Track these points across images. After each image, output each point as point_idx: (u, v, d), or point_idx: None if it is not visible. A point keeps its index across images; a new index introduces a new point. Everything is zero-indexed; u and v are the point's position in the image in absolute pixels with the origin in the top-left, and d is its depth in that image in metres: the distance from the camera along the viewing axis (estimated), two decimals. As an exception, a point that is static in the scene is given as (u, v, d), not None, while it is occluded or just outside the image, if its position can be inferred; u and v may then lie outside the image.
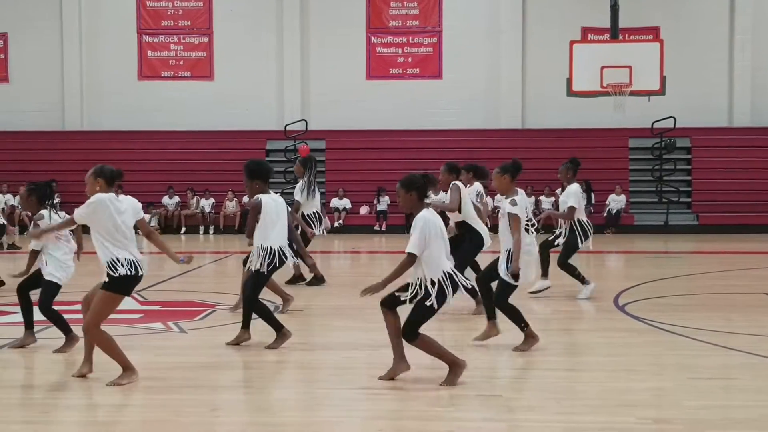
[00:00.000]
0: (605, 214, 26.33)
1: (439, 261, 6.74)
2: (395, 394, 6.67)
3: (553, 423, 5.94)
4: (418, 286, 6.75)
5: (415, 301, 6.76)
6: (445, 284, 6.72)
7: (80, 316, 7.22)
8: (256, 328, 8.66)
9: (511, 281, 8.10)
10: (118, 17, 29.26)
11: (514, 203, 8.12)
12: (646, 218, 26.80)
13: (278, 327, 8.39)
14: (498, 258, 8.28)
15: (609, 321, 10.06)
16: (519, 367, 7.78)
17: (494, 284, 8.41)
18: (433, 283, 6.70)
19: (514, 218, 8.09)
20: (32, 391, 7.08)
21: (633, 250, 21.12)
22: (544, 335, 8.80)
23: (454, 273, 6.80)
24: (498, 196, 10.33)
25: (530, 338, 8.21)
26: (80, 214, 6.94)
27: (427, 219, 6.76)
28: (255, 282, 8.44)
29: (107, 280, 6.83)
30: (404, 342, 6.84)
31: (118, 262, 6.83)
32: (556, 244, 11.66)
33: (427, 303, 6.69)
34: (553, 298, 11.65)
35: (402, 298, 6.83)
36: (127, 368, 6.94)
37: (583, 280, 11.58)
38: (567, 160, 11.78)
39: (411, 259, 6.71)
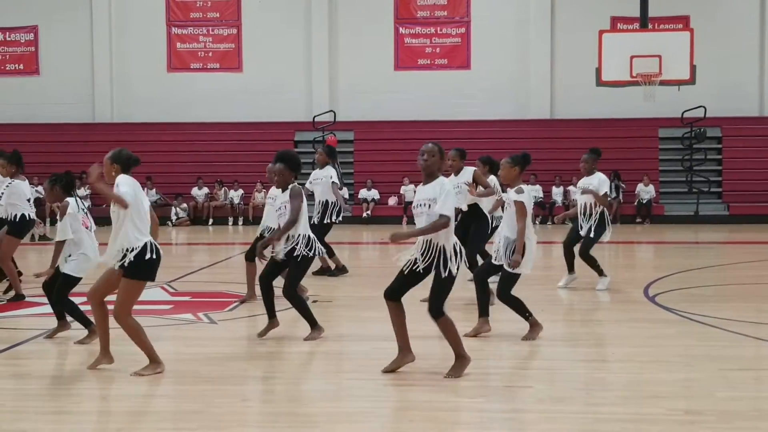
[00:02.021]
0: (636, 204, 26.17)
1: (452, 231, 6.80)
2: (425, 384, 6.67)
3: (583, 414, 5.93)
4: (435, 253, 6.70)
5: (433, 277, 6.72)
6: (459, 254, 6.76)
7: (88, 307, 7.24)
8: (283, 318, 8.70)
9: (511, 270, 8.11)
10: (148, 9, 29.41)
11: (520, 191, 8.18)
12: (676, 208, 26.59)
13: (314, 322, 8.39)
14: (491, 255, 8.39)
15: (639, 312, 10.00)
16: (549, 358, 7.76)
17: (487, 281, 8.46)
18: (451, 250, 6.72)
19: (519, 206, 8.11)
20: (63, 381, 7.15)
21: (663, 240, 20.98)
22: (573, 326, 8.80)
23: (461, 247, 6.86)
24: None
25: (535, 327, 8.26)
26: (127, 192, 6.76)
27: (451, 187, 6.86)
28: (300, 272, 8.37)
29: (127, 267, 6.79)
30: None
31: (147, 247, 6.84)
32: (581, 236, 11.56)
33: (445, 273, 6.67)
34: (582, 289, 11.59)
35: (402, 264, 6.85)
36: (153, 360, 6.98)
37: (601, 272, 11.52)
38: (589, 151, 11.66)
39: (445, 222, 6.66)
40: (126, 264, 6.80)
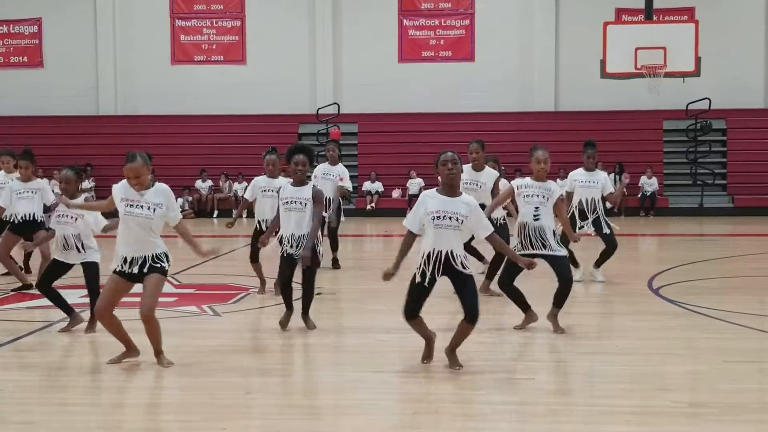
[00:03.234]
0: (639, 197, 26.14)
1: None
2: (428, 377, 6.68)
3: (588, 406, 5.93)
4: (462, 259, 6.69)
5: (465, 280, 6.69)
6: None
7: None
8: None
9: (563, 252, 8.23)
10: (151, 1, 29.42)
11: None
12: (680, 201, 26.57)
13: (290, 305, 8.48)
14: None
15: (643, 304, 10.00)
16: (553, 351, 7.76)
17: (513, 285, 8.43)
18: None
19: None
20: (68, 372, 7.15)
21: (667, 233, 20.96)
22: (577, 318, 8.78)
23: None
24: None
25: (530, 317, 8.34)
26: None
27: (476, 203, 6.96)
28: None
29: (162, 266, 6.85)
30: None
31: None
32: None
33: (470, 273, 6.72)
34: (587, 282, 11.60)
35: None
36: (128, 349, 7.10)
37: (576, 263, 11.52)
38: (589, 145, 11.47)
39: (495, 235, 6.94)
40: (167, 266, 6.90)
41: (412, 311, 6.84)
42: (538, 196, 8.23)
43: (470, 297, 6.68)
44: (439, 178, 6.83)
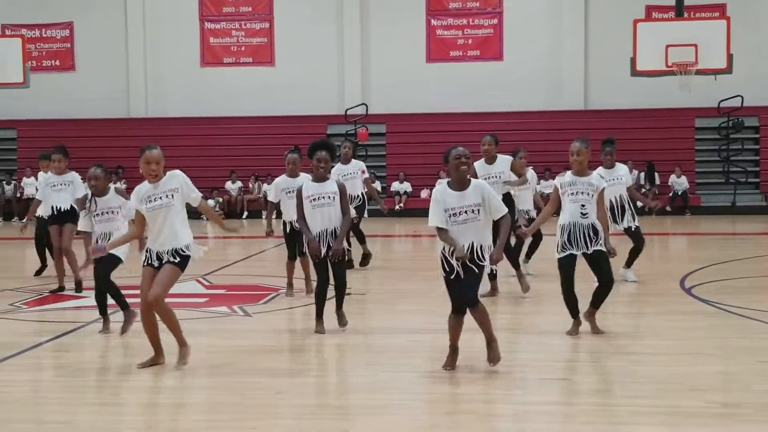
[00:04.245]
0: (670, 195, 25.93)
1: None
2: (458, 377, 6.65)
3: (619, 406, 5.89)
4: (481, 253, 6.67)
5: (469, 272, 6.64)
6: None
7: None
8: (312, 312, 8.70)
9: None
10: (181, 4, 29.58)
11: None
12: (713, 199, 26.32)
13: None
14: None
15: (676, 304, 9.91)
16: (585, 351, 7.70)
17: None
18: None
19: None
20: (101, 373, 7.20)
21: (699, 231, 20.77)
22: (609, 318, 8.71)
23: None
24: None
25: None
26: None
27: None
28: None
29: (179, 259, 6.90)
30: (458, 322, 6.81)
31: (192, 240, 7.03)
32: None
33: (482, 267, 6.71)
34: (617, 282, 11.46)
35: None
36: (183, 344, 7.08)
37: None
38: (608, 141, 11.32)
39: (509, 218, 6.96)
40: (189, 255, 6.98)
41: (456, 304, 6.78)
42: (582, 193, 7.97)
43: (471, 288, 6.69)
44: (443, 173, 6.85)
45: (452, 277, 6.67)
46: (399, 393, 6.33)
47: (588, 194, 7.97)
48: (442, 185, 6.80)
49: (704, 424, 5.50)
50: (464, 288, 6.65)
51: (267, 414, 5.83)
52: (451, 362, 6.88)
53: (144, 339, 7.15)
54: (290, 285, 10.66)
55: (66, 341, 8.26)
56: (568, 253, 7.90)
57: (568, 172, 8.16)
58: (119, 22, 29.55)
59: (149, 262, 6.94)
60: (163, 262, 6.91)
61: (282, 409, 6.02)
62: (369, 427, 5.59)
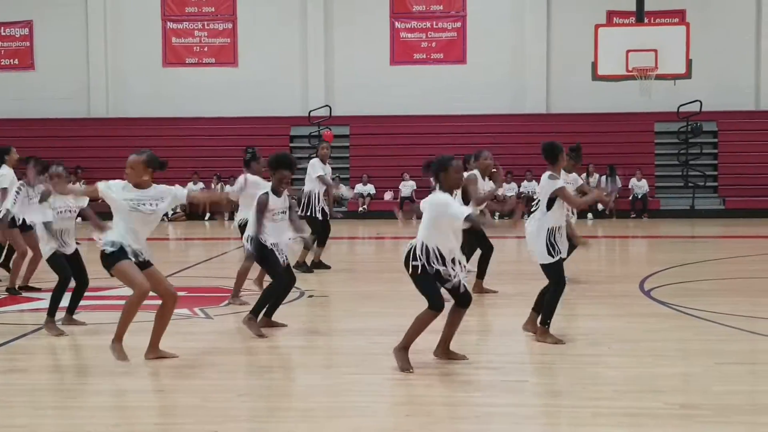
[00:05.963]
0: (630, 199, 26.16)
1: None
2: (421, 379, 6.67)
3: (580, 408, 5.93)
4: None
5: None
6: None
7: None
8: (276, 315, 8.68)
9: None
10: (143, 4, 29.35)
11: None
12: (671, 203, 26.60)
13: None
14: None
15: (635, 306, 10.00)
16: (545, 353, 7.74)
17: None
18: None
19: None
20: (59, 376, 7.14)
21: (658, 234, 20.99)
22: (569, 321, 8.77)
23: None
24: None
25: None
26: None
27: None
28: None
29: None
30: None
31: None
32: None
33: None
34: (580, 283, 11.57)
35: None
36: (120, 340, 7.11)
37: None
38: (575, 147, 11.30)
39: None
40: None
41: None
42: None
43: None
44: (432, 181, 6.89)
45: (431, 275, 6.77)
46: (362, 395, 6.33)
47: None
48: (443, 193, 6.83)
49: (663, 425, 5.56)
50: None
51: (228, 417, 5.80)
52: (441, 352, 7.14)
53: (99, 339, 7.11)
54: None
55: (22, 344, 8.16)
56: (555, 259, 7.84)
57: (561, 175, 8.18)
58: (80, 21, 29.25)
59: (126, 256, 6.97)
60: (140, 260, 7.02)
61: (244, 411, 5.99)
62: (331, 430, 5.58)
